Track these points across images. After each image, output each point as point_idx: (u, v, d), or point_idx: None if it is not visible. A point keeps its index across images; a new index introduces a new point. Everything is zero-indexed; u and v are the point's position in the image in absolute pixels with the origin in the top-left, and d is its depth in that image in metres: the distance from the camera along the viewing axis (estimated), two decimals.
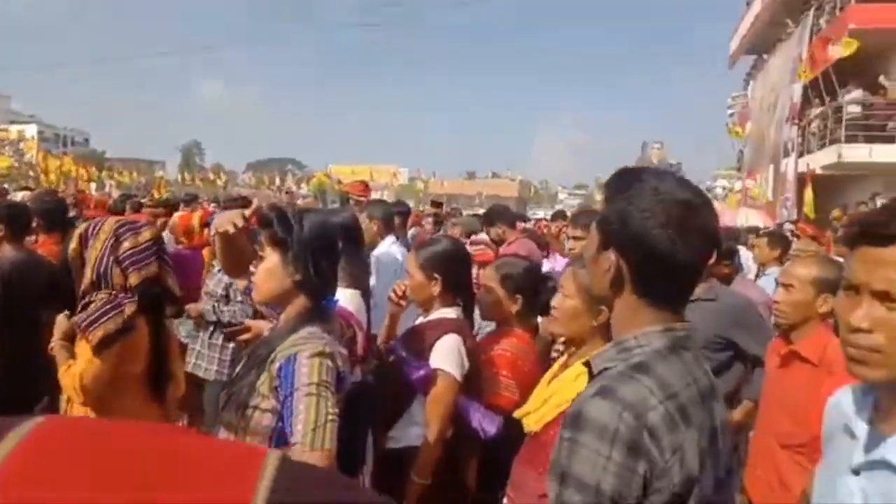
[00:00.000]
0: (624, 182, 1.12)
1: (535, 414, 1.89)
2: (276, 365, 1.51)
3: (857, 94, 15.81)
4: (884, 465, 1.01)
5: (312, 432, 1.40)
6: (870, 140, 15.26)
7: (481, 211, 8.14)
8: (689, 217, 1.07)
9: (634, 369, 1.06)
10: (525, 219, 11.36)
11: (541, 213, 21.33)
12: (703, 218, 1.10)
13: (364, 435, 2.19)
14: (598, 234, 1.13)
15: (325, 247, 1.67)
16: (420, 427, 2.08)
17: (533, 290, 2.46)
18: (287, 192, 17.03)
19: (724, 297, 2.91)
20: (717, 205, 20.21)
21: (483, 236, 6.36)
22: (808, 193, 11.56)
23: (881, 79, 16.20)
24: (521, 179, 79.49)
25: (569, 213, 6.99)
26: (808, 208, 11.08)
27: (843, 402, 1.18)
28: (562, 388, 1.82)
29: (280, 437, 1.52)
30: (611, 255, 1.10)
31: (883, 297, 0.98)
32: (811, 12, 16.04)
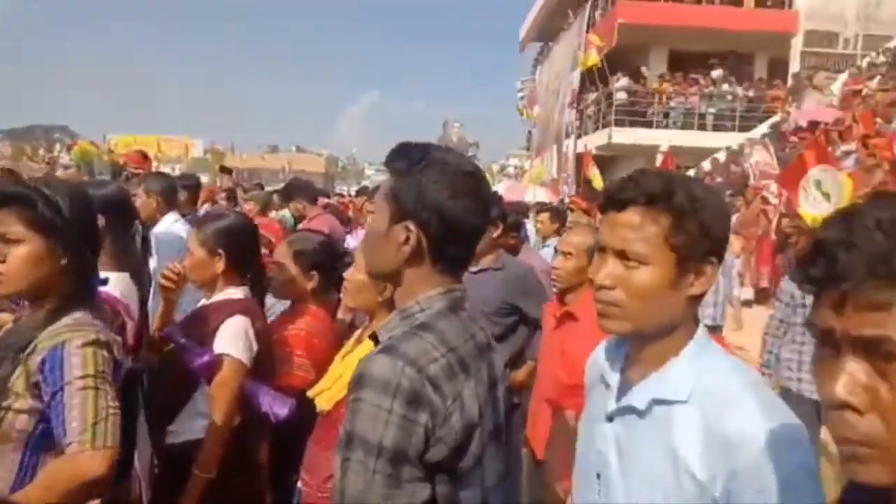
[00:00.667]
0: (409, 157, 1.15)
1: (328, 392, 1.85)
2: (38, 358, 1.34)
3: (624, 82, 17.86)
4: (630, 410, 1.13)
5: (93, 429, 1.28)
6: (634, 124, 17.37)
7: None
8: (475, 187, 1.15)
9: (417, 328, 1.10)
10: (329, 195, 11.17)
11: (347, 189, 21.18)
12: (484, 188, 1.19)
13: (134, 432, 1.97)
14: (391, 207, 1.14)
15: (87, 225, 1.50)
16: (205, 418, 1.92)
17: (330, 266, 2.40)
18: (48, 163, 14.80)
19: (510, 267, 3.10)
20: (508, 182, 21.59)
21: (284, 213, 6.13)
22: (594, 170, 12.87)
23: (643, 69, 18.46)
24: (328, 155, 78.23)
25: None
26: (597, 182, 12.40)
27: (600, 355, 1.29)
28: (353, 363, 1.79)
29: (38, 443, 1.35)
30: (409, 226, 1.11)
31: (621, 255, 1.08)
32: (588, 5, 17.69)
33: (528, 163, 25.88)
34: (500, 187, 16.10)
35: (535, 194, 14.69)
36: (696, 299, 1.10)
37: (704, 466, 1.01)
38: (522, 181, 21.83)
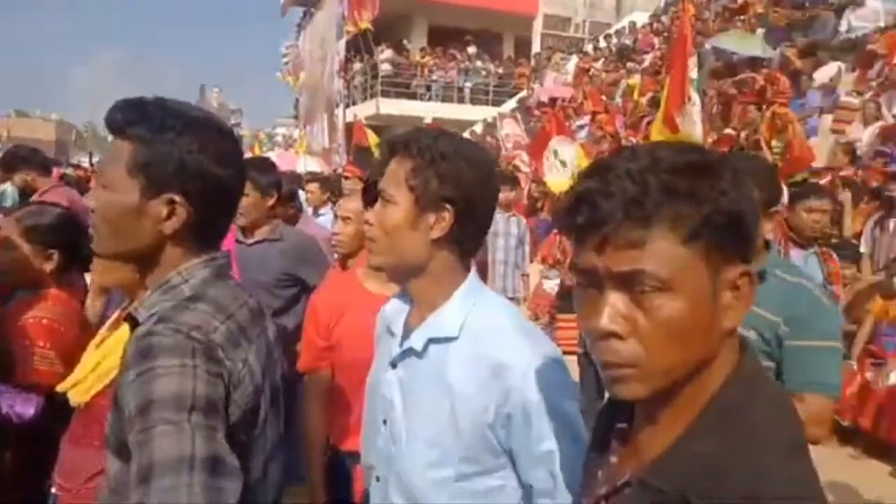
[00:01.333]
0: (153, 119, 1.01)
1: (83, 384, 1.63)
2: None
3: (388, 54, 18.19)
4: (410, 352, 1.20)
5: None
6: (399, 95, 17.84)
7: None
8: (236, 151, 1.11)
9: (188, 300, 1.02)
10: (63, 164, 9.72)
11: (87, 160, 18.54)
12: (241, 152, 1.16)
13: None
14: (140, 179, 1.01)
15: None
16: None
17: (72, 243, 2.10)
18: None
19: (288, 237, 3.02)
20: (279, 151, 20.82)
21: None
22: (373, 136, 13.08)
23: (405, 42, 18.95)
24: (60, 120, 67.70)
25: None
26: (376, 148, 12.67)
27: (387, 308, 1.36)
28: (112, 349, 1.60)
29: None
30: (174, 198, 1.01)
31: (382, 196, 1.20)
32: None
33: (298, 131, 25.21)
34: (272, 156, 15.51)
35: (307, 164, 14.42)
36: (445, 244, 1.17)
37: (477, 395, 1.12)
38: (293, 150, 21.26)
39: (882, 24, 8.45)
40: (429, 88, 18.07)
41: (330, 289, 2.19)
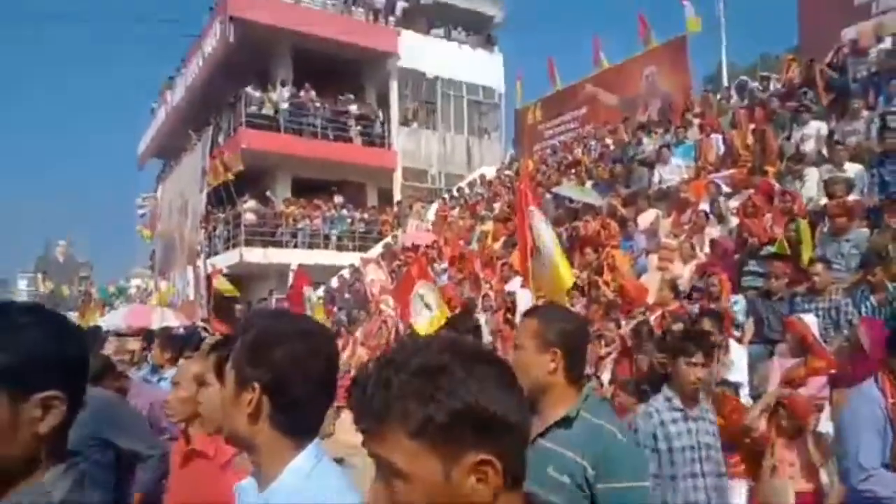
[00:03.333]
0: None
1: None
2: None
3: (251, 204, 18.35)
4: None
5: None
6: (265, 244, 17.81)
7: None
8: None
9: None
10: None
11: None
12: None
13: None
14: None
15: None
16: None
17: None
18: None
19: (91, 402, 2.86)
20: (128, 306, 19.47)
21: None
22: (225, 284, 12.79)
23: (268, 193, 19.28)
24: None
25: None
26: (229, 291, 12.56)
27: (244, 484, 1.34)
28: None
29: None
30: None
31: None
32: (210, 129, 17.97)
33: (153, 283, 23.99)
34: (119, 312, 14.56)
35: (165, 317, 13.64)
36: (264, 420, 1.23)
37: None
38: (149, 303, 20.05)
39: (686, 176, 9.98)
40: (294, 236, 18.25)
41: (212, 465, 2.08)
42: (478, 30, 23.92)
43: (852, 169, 7.09)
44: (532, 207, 6.23)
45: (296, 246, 18.01)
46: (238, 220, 17.71)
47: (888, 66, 8.22)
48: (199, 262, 16.73)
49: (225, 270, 14.88)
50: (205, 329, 9.94)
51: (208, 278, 13.82)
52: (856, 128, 7.81)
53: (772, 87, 10.75)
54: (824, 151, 7.89)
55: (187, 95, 22.85)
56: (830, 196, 6.58)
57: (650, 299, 7.11)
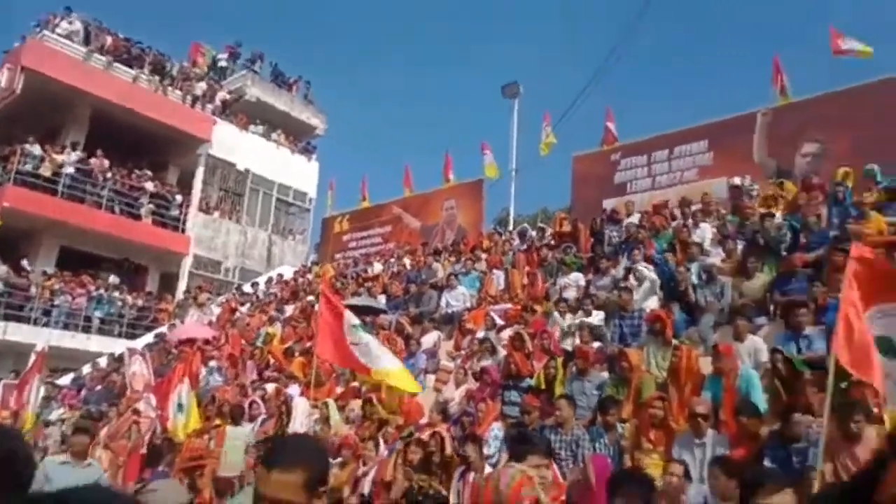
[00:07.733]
0: None
1: None
2: None
3: (2, 271, 15.90)
4: None
5: None
6: (8, 318, 15.33)
7: None
8: None
9: None
10: None
11: None
12: None
13: None
14: None
15: None
16: None
17: None
18: None
19: None
20: None
21: None
22: None
23: (25, 262, 16.89)
24: None
25: None
26: None
27: None
28: None
29: None
30: None
31: None
32: None
33: None
34: None
35: None
36: None
37: None
38: None
39: (469, 305, 10.72)
40: (47, 313, 15.95)
41: None
42: (298, 136, 24.36)
43: (598, 318, 8.20)
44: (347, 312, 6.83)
45: (47, 324, 15.73)
46: None
47: (635, 235, 9.86)
48: None
49: None
50: None
51: None
52: (605, 283, 9.14)
53: (546, 238, 12.25)
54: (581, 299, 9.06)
55: None
56: (581, 340, 7.52)
57: (423, 419, 7.32)
